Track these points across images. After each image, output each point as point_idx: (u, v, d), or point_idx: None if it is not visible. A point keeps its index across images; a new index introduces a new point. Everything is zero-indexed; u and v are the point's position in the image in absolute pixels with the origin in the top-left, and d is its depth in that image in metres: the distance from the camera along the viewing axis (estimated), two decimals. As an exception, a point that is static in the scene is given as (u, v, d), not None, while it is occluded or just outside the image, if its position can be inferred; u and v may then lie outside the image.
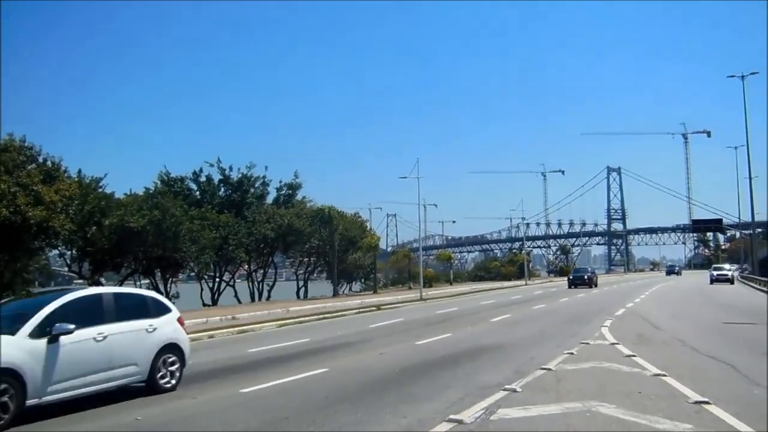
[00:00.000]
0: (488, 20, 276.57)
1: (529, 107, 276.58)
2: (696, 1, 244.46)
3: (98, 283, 33.12)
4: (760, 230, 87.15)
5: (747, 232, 65.99)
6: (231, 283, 44.57)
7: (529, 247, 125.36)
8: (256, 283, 45.92)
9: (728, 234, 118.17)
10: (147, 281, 37.28)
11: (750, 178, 47.30)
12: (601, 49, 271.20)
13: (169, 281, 37.16)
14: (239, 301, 41.52)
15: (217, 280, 42.66)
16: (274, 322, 21.78)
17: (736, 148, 55.85)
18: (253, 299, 43.77)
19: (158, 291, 36.12)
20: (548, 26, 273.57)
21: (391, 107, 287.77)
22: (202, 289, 41.66)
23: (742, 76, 45.71)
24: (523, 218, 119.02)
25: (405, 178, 41.93)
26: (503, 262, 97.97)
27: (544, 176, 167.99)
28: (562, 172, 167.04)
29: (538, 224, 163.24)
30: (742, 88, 45.60)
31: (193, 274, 42.38)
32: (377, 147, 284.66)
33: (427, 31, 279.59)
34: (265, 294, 45.63)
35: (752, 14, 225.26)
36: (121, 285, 35.23)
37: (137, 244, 31.73)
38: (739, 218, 68.04)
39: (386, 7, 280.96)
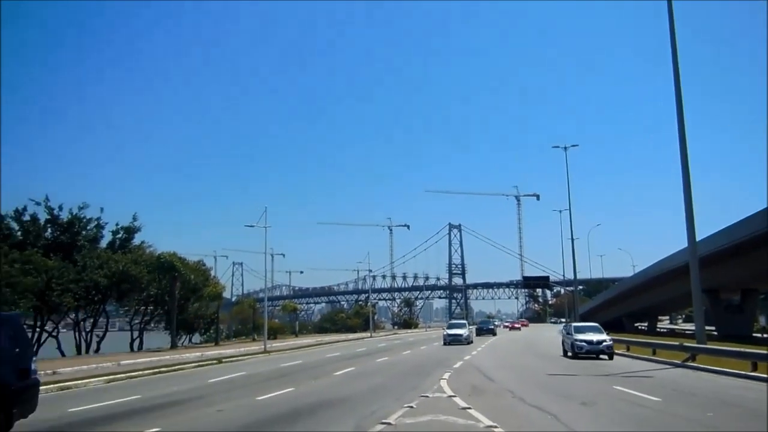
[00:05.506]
0: (337, 78, 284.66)
1: (376, 161, 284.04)
2: (531, 75, 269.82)
3: None
4: (581, 287, 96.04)
5: (570, 288, 72.12)
6: (54, 334, 40.53)
7: (374, 299, 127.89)
8: (84, 333, 42.16)
9: (554, 290, 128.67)
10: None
11: (572, 240, 51.94)
12: (437, 105, 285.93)
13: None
14: (63, 354, 37.78)
15: (38, 330, 38.54)
16: (102, 377, 20.23)
17: (560, 211, 60.81)
18: (79, 351, 40.08)
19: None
20: (387, 88, 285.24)
21: (240, 154, 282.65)
22: (18, 341, 37.36)
23: (565, 147, 50.71)
24: (370, 270, 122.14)
25: (252, 226, 40.86)
26: (349, 314, 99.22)
27: (390, 230, 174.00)
28: (407, 227, 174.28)
29: (384, 277, 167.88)
30: (565, 158, 50.51)
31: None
32: (224, 193, 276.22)
33: (277, 84, 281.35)
34: (94, 345, 41.97)
35: (570, 89, 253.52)
36: None
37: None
38: (563, 275, 74.20)
39: (213, 58, 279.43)
